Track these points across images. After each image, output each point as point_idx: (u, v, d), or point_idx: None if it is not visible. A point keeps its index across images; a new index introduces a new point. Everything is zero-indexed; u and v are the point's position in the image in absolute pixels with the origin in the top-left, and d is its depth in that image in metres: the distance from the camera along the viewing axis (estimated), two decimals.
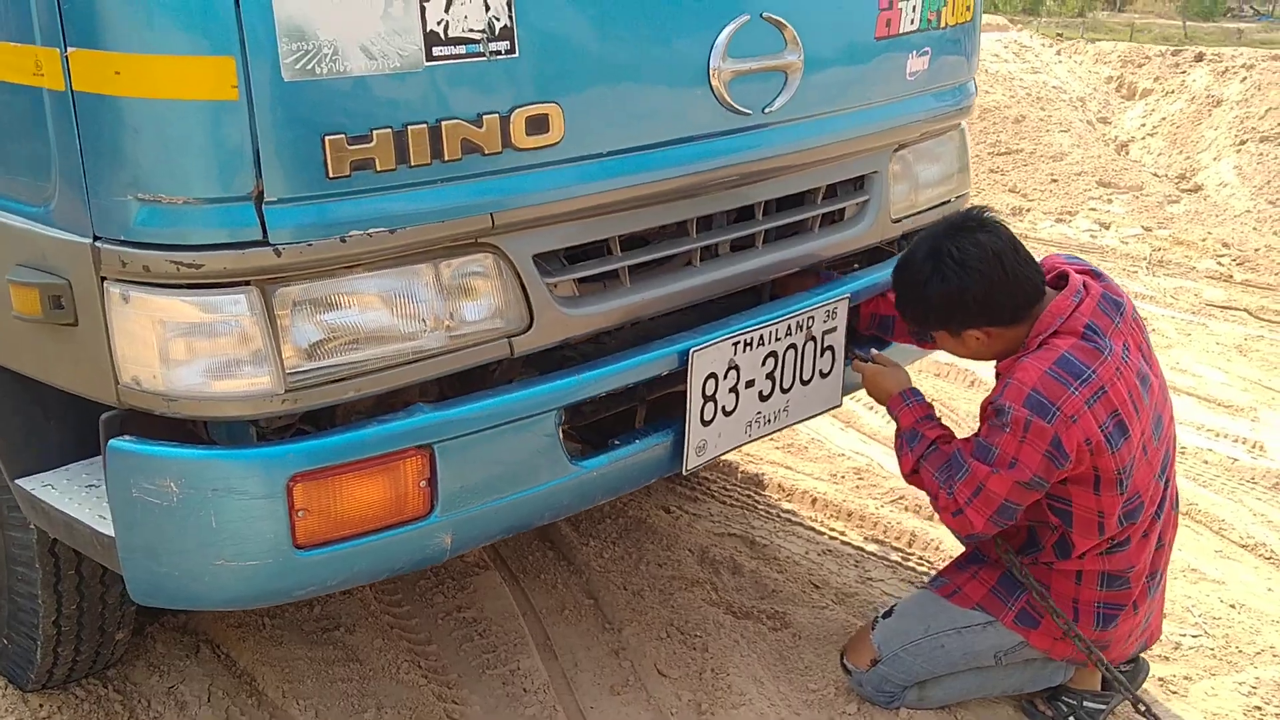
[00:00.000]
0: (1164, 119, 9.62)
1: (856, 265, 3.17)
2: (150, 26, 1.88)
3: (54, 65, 1.96)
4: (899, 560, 3.63)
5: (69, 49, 1.93)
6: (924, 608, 2.82)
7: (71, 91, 1.95)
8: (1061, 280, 2.58)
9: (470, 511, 2.26)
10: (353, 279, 2.09)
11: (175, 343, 2.00)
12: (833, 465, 4.25)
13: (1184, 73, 10.17)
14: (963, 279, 2.50)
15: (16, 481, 2.38)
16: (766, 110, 2.55)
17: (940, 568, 3.55)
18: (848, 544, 3.73)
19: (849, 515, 3.88)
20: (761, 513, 3.89)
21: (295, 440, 2.10)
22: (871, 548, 3.70)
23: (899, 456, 2.74)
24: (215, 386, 2.02)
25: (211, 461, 2.05)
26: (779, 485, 4.06)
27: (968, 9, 3.11)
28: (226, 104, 1.89)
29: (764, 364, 2.67)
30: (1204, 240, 7.44)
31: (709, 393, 2.57)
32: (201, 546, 2.06)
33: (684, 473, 2.61)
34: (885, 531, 3.78)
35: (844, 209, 2.94)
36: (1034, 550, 2.66)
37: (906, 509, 3.93)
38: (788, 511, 3.92)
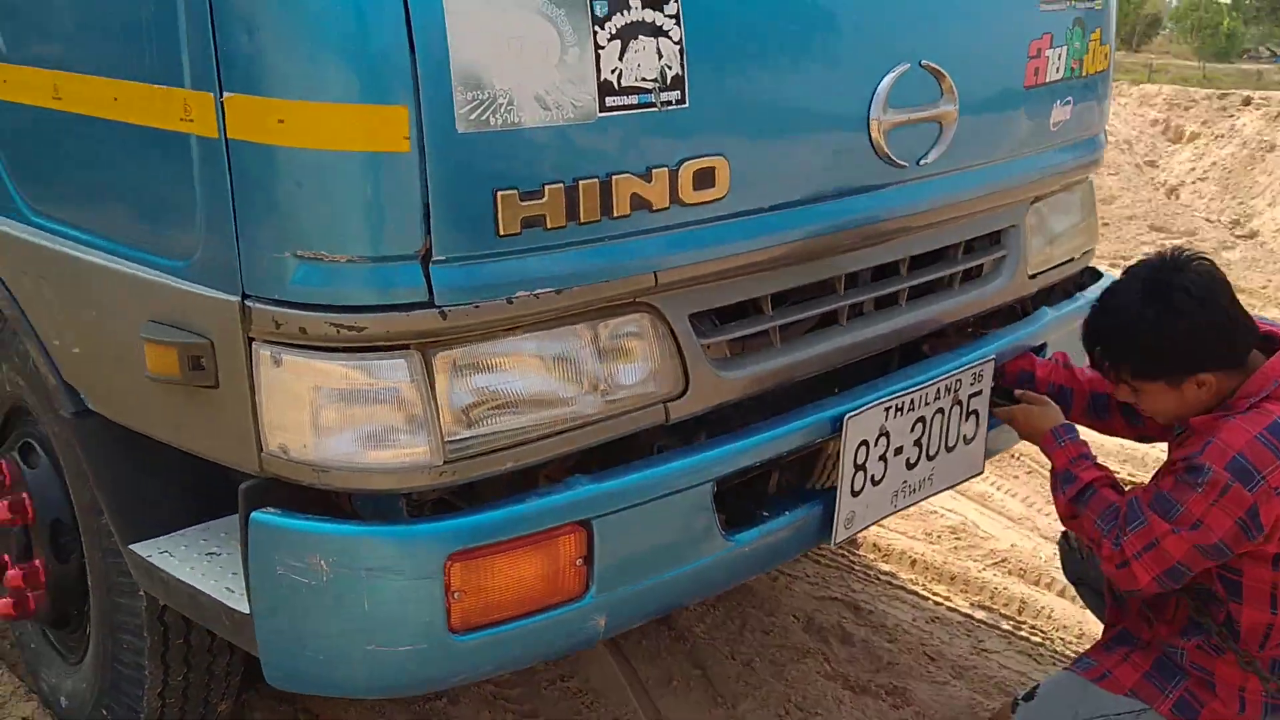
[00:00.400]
0: (1214, 163, 9.52)
1: (970, 327, 3.02)
2: (319, 73, 1.75)
3: (206, 111, 1.83)
4: (1010, 630, 3.47)
5: (225, 94, 1.80)
6: (1071, 692, 2.64)
7: (225, 139, 1.82)
8: (1268, 342, 2.42)
9: (624, 591, 2.10)
10: (512, 341, 1.95)
11: (329, 409, 1.86)
12: (926, 523, 4.08)
13: (1232, 116, 10.09)
14: (1198, 314, 2.29)
15: (131, 547, 2.23)
16: (921, 162, 2.42)
17: (1057, 639, 3.40)
18: (955, 610, 3.56)
19: (951, 579, 3.72)
20: (860, 574, 3.72)
21: (450, 516, 1.95)
22: (980, 615, 3.54)
23: (1054, 497, 2.57)
24: (370, 457, 1.88)
25: (366, 538, 1.89)
26: (874, 544, 3.90)
27: (1105, 57, 2.99)
28: (397, 156, 1.76)
29: (913, 430, 2.52)
30: (1264, 288, 7.31)
31: (860, 461, 2.42)
32: (351, 630, 1.91)
33: (833, 546, 2.46)
34: (992, 598, 3.61)
35: (982, 265, 2.81)
36: (1199, 634, 2.49)
37: (1010, 573, 3.77)
38: (887, 574, 3.75)
